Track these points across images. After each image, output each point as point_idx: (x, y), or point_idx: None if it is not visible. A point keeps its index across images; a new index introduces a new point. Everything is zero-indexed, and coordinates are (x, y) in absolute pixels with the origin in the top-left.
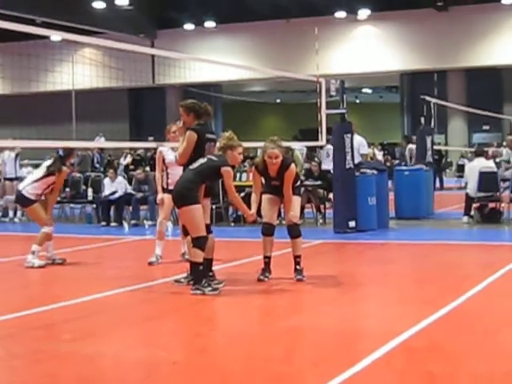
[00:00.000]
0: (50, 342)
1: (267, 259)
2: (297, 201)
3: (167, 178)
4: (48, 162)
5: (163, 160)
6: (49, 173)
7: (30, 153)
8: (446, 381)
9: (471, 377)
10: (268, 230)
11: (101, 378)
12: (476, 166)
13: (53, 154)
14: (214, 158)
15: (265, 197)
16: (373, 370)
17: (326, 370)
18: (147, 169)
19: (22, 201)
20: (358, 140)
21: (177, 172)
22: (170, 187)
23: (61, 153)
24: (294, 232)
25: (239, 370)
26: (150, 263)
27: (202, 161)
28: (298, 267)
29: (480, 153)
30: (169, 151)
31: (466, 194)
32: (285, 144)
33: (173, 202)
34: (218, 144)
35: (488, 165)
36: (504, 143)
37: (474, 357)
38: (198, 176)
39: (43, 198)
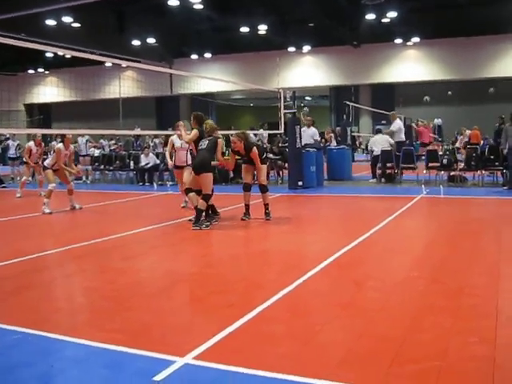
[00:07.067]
0: (107, 260)
1: (247, 206)
2: (264, 168)
3: (175, 157)
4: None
5: (173, 145)
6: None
7: (95, 138)
8: (364, 283)
9: (379, 280)
10: (246, 188)
11: (142, 283)
12: (377, 139)
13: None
14: (209, 137)
15: (243, 165)
16: (317, 277)
17: (287, 277)
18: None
19: (44, 168)
20: (314, 130)
21: (181, 153)
22: (177, 163)
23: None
24: (263, 189)
25: (231, 278)
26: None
27: (205, 141)
28: (266, 211)
29: (378, 131)
30: (176, 139)
31: (371, 164)
32: (254, 132)
33: (193, 170)
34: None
35: (385, 139)
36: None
37: (380, 268)
38: (209, 151)
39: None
